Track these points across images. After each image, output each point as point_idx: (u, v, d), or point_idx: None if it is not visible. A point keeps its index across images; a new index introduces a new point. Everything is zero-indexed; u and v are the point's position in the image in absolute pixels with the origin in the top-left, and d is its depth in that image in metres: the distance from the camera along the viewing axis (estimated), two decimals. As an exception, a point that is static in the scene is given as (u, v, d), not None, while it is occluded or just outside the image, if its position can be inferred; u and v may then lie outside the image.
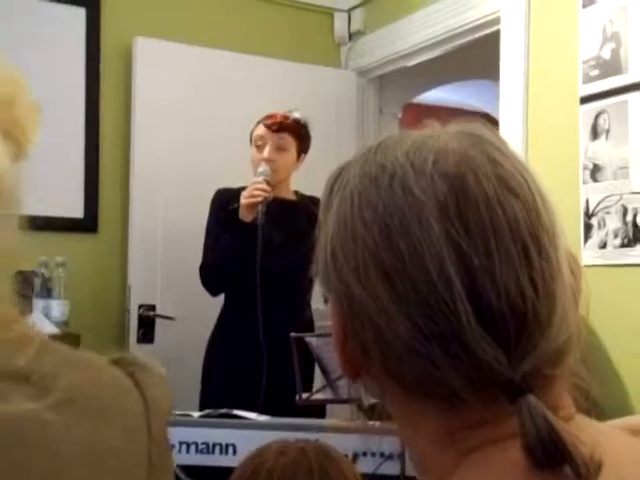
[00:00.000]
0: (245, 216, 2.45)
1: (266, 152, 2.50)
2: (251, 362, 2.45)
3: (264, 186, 2.43)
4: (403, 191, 0.57)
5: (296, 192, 2.64)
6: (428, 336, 0.53)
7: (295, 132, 2.56)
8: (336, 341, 0.60)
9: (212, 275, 2.55)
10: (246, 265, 2.43)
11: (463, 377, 0.53)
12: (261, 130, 2.54)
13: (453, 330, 0.53)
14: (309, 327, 2.53)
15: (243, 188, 2.55)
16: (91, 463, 0.43)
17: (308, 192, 2.56)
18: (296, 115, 2.58)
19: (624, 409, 2.16)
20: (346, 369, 0.60)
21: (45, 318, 2.68)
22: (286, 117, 2.55)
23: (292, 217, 2.49)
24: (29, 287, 2.77)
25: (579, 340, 0.57)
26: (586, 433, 0.53)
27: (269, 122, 2.53)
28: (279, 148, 2.53)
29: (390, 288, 0.55)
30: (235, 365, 2.49)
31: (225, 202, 2.57)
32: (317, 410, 2.23)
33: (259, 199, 2.41)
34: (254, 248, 2.41)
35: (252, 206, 2.42)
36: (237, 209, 2.49)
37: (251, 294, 2.43)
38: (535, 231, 0.56)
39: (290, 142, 2.55)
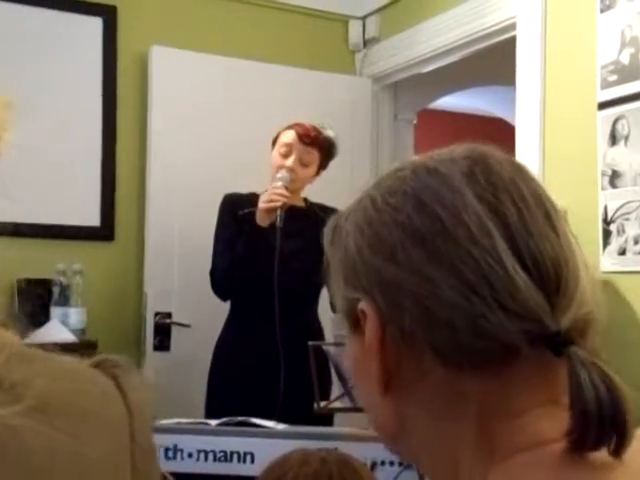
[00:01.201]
0: (263, 220, 2.44)
1: (290, 161, 2.49)
2: (267, 368, 2.44)
3: (283, 191, 2.42)
4: (428, 172, 0.58)
5: (305, 200, 2.64)
6: (477, 289, 0.53)
7: (323, 150, 2.55)
8: (369, 346, 0.58)
9: (224, 280, 2.54)
10: (259, 270, 2.43)
11: (515, 328, 0.52)
12: (291, 138, 2.52)
13: (501, 279, 0.53)
14: (320, 334, 2.53)
15: (252, 194, 2.55)
16: (70, 471, 0.42)
17: (323, 198, 2.56)
18: (329, 133, 2.56)
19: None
20: (379, 377, 0.58)
21: (63, 326, 2.69)
22: (319, 132, 2.53)
23: (304, 224, 2.49)
24: (47, 295, 2.78)
25: (598, 323, 0.57)
26: None
27: (302, 132, 2.51)
28: (303, 161, 2.52)
29: (431, 252, 0.55)
30: (251, 371, 2.48)
31: (234, 207, 2.57)
32: (326, 418, 2.21)
33: (278, 204, 2.41)
34: (270, 252, 2.41)
35: (270, 211, 2.42)
36: (248, 214, 2.48)
37: (265, 299, 2.43)
38: (553, 207, 0.58)
39: (315, 157, 2.54)
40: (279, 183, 2.45)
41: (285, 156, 2.50)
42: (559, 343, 0.52)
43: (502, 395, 0.54)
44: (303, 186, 2.59)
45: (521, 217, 0.55)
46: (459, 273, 0.53)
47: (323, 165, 2.60)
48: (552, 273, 0.54)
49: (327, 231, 0.64)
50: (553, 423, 0.53)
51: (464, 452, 0.56)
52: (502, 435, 0.54)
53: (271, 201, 2.41)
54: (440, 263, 0.54)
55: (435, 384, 0.56)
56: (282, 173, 2.47)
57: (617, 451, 0.51)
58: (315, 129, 2.53)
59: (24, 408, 0.41)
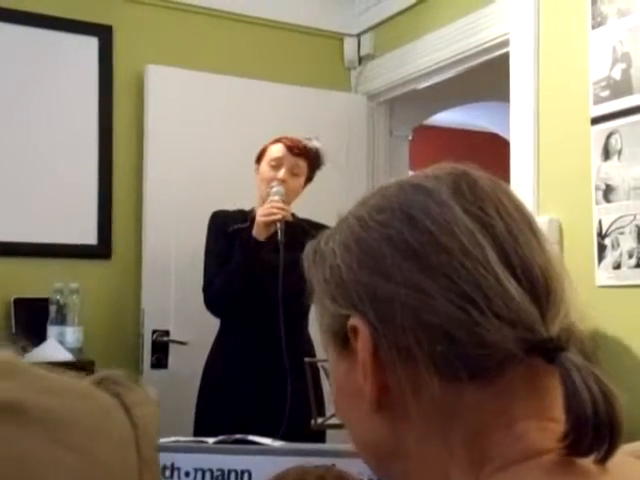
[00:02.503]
0: (260, 234, 2.44)
1: (282, 173, 2.49)
2: (264, 384, 2.44)
3: (282, 205, 2.43)
4: (414, 188, 0.59)
5: (293, 215, 2.64)
6: (472, 300, 0.53)
7: (312, 161, 2.57)
8: (362, 363, 0.57)
9: (219, 296, 2.52)
10: (257, 284, 2.43)
11: (511, 336, 0.53)
12: (280, 151, 2.53)
13: (494, 289, 0.54)
14: (311, 347, 2.51)
15: (239, 210, 2.55)
16: None
17: (317, 215, 2.56)
18: (316, 144, 2.58)
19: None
20: (373, 394, 0.57)
21: (60, 345, 2.68)
22: (307, 144, 2.56)
23: (295, 238, 2.49)
24: (44, 314, 2.78)
25: (582, 332, 0.58)
26: None
27: (290, 144, 2.52)
28: (294, 172, 2.53)
29: (424, 265, 0.55)
30: (246, 387, 2.47)
31: (224, 223, 2.57)
32: (319, 435, 2.20)
33: (278, 217, 2.41)
34: (264, 267, 2.40)
35: (269, 224, 2.42)
36: (238, 230, 2.49)
37: (262, 314, 2.42)
38: (533, 220, 0.60)
39: (304, 169, 2.56)
40: (276, 197, 2.45)
41: (276, 169, 2.51)
42: (552, 349, 0.53)
43: (494, 406, 0.55)
44: (295, 198, 2.60)
45: (508, 228, 0.56)
46: (454, 284, 0.54)
47: (311, 177, 2.61)
48: (542, 282, 0.55)
49: (306, 255, 0.64)
50: (543, 434, 0.53)
51: (456, 467, 0.55)
52: (494, 447, 0.54)
53: (270, 214, 2.41)
54: (434, 275, 0.54)
55: (429, 398, 0.55)
56: (276, 187, 2.47)
57: (605, 458, 0.51)
58: (304, 141, 2.56)
59: (27, 424, 0.41)
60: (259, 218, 2.43)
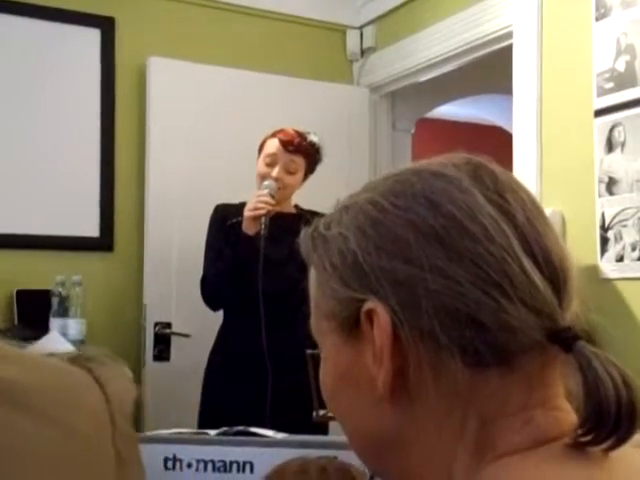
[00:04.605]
0: (249, 229, 2.44)
1: (276, 172, 2.49)
2: (255, 377, 2.44)
3: (268, 199, 2.43)
4: (434, 175, 0.59)
5: (296, 206, 2.64)
6: (499, 286, 0.53)
7: (308, 156, 2.56)
8: (380, 349, 0.56)
9: (212, 289, 2.54)
10: (247, 279, 2.43)
11: (535, 324, 0.53)
12: (275, 147, 2.53)
13: (519, 276, 0.54)
14: (309, 339, 2.51)
15: (243, 204, 2.56)
16: (54, 459, 0.42)
17: (319, 208, 2.55)
18: (313, 138, 2.57)
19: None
20: (389, 382, 0.56)
21: (62, 337, 2.69)
22: (303, 138, 2.54)
23: (294, 231, 2.48)
24: (46, 306, 2.78)
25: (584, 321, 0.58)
26: None
27: (285, 140, 2.52)
28: (289, 169, 2.52)
29: (450, 250, 0.55)
30: (239, 380, 2.48)
31: (224, 217, 2.58)
32: (321, 427, 2.20)
33: (262, 212, 2.41)
34: (257, 260, 2.40)
35: (256, 219, 2.42)
36: (236, 224, 2.49)
37: (252, 309, 2.43)
38: (545, 213, 0.60)
39: (301, 164, 2.55)
40: (265, 191, 2.45)
41: (270, 165, 2.51)
42: (570, 338, 0.53)
43: (510, 394, 0.55)
44: (291, 193, 2.59)
45: (528, 218, 0.57)
46: (480, 270, 0.54)
47: (310, 170, 2.60)
48: (560, 271, 0.56)
49: (304, 239, 0.64)
50: (550, 422, 0.54)
51: (463, 452, 0.55)
52: (502, 433, 0.54)
53: (256, 209, 2.42)
54: (460, 261, 0.54)
55: (449, 384, 0.55)
56: (268, 181, 2.47)
57: (617, 445, 0.51)
58: (299, 135, 2.54)
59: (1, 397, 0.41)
60: (246, 213, 2.45)
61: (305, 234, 0.64)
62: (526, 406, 0.55)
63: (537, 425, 0.54)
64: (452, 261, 0.54)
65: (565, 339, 0.53)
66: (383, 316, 0.56)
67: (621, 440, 0.51)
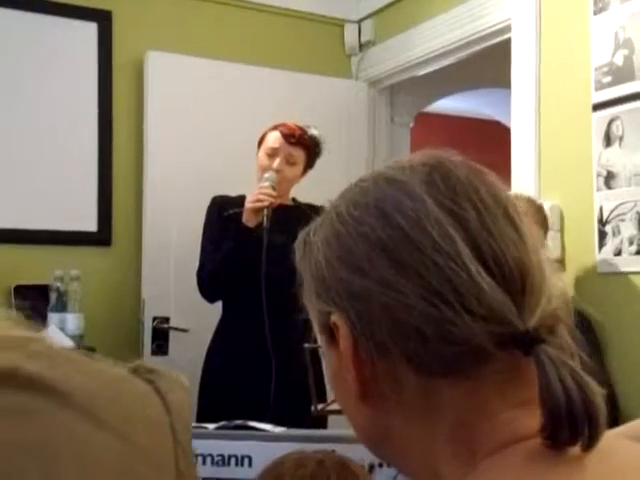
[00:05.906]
0: (249, 220, 2.44)
1: (276, 163, 2.50)
2: (260, 368, 2.44)
3: (270, 191, 2.43)
4: (388, 182, 0.59)
5: (294, 199, 2.64)
6: (443, 296, 0.53)
7: (309, 149, 2.57)
8: (344, 358, 0.58)
9: (210, 280, 2.53)
10: (248, 270, 2.42)
11: (482, 331, 0.53)
12: (277, 139, 2.53)
13: (465, 284, 0.53)
14: (310, 330, 2.50)
15: (241, 196, 2.55)
16: (119, 473, 0.42)
17: (318, 202, 2.55)
18: (313, 132, 2.58)
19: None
20: (356, 388, 0.59)
21: (60, 332, 2.69)
22: (304, 132, 2.55)
23: (292, 221, 2.48)
24: (44, 301, 2.78)
25: (568, 317, 0.57)
26: None
27: (287, 132, 2.52)
28: (290, 161, 2.53)
29: (396, 262, 0.55)
30: (241, 374, 2.48)
31: (221, 208, 2.57)
32: (321, 421, 2.21)
33: (265, 204, 2.41)
34: (257, 253, 2.40)
35: (257, 211, 2.42)
36: (233, 215, 2.48)
37: (254, 300, 2.42)
38: (513, 206, 0.59)
39: (301, 157, 2.56)
40: (266, 183, 2.45)
41: (271, 157, 2.51)
42: (527, 342, 0.53)
43: (477, 398, 0.55)
44: (291, 186, 2.60)
45: (481, 219, 0.56)
46: (424, 281, 0.54)
47: (310, 164, 2.61)
48: (516, 273, 0.55)
49: (298, 246, 0.65)
50: (531, 420, 0.53)
51: (443, 458, 0.56)
52: (480, 437, 0.55)
53: (258, 201, 2.41)
54: (406, 272, 0.54)
55: (410, 392, 0.56)
56: (269, 173, 2.48)
57: (589, 446, 0.51)
58: (300, 128, 2.55)
59: (67, 404, 0.41)
60: (247, 204, 2.44)
61: (300, 238, 0.65)
62: (501, 409, 0.54)
63: (517, 424, 0.54)
64: (399, 273, 0.55)
65: (521, 343, 0.53)
66: (343, 328, 0.58)
67: (589, 442, 0.51)
